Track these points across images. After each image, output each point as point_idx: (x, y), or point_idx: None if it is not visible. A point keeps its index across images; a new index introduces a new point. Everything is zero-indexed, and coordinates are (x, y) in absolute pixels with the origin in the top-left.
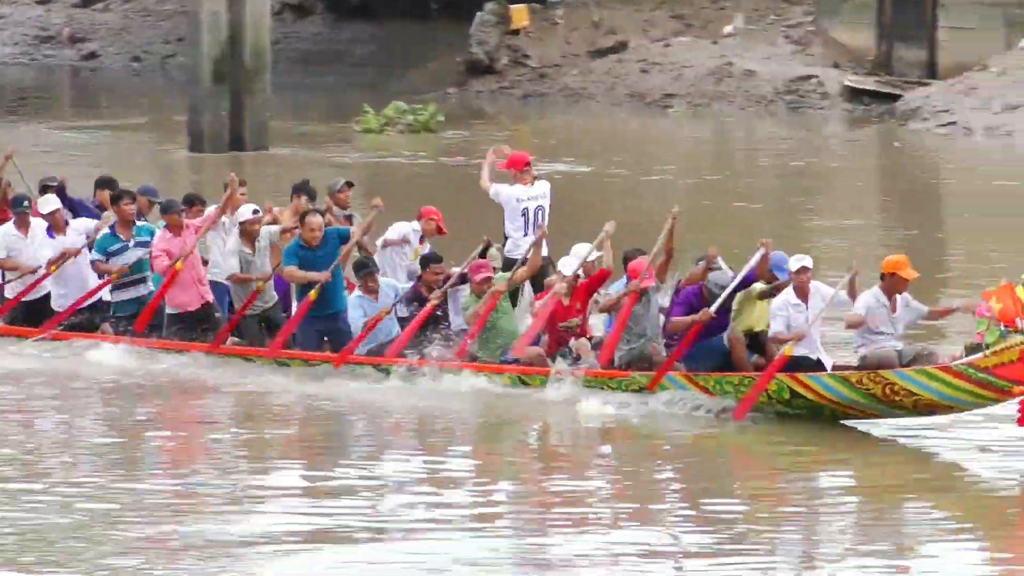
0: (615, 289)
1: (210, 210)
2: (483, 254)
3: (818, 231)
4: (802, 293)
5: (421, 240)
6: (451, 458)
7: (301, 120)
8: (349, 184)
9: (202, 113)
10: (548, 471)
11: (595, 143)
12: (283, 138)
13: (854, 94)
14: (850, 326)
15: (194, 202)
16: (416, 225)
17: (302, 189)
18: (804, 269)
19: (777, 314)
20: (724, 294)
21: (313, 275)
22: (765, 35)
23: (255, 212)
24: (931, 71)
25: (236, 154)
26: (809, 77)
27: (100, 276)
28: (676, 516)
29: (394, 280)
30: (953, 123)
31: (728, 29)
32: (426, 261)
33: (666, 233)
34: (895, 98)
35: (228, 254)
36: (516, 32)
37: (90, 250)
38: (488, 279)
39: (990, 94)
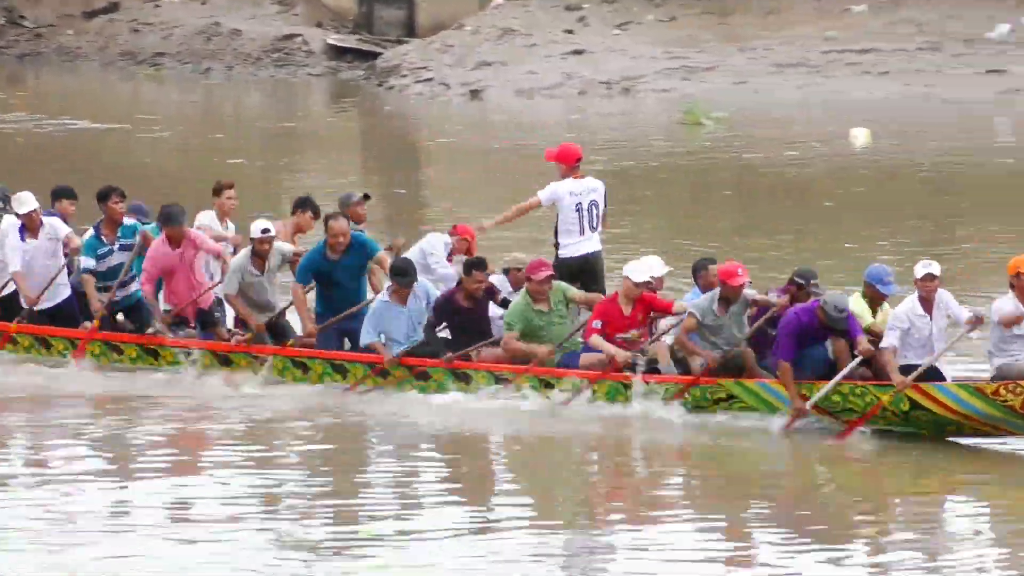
0: (689, 300)
1: (212, 233)
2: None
3: (309, 190)
4: (927, 304)
5: (450, 256)
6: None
7: None
8: (366, 196)
9: None
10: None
11: (90, 103)
12: None
13: (337, 52)
14: (1005, 324)
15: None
16: (447, 239)
17: (306, 204)
18: (930, 277)
19: (895, 326)
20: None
21: (308, 329)
22: None
23: (264, 231)
24: (410, 30)
25: None
26: (294, 36)
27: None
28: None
29: (426, 282)
30: (431, 79)
31: None
32: (470, 266)
33: None
34: (376, 56)
35: (232, 272)
36: None
37: (64, 257)
38: (550, 278)
39: (465, 52)
